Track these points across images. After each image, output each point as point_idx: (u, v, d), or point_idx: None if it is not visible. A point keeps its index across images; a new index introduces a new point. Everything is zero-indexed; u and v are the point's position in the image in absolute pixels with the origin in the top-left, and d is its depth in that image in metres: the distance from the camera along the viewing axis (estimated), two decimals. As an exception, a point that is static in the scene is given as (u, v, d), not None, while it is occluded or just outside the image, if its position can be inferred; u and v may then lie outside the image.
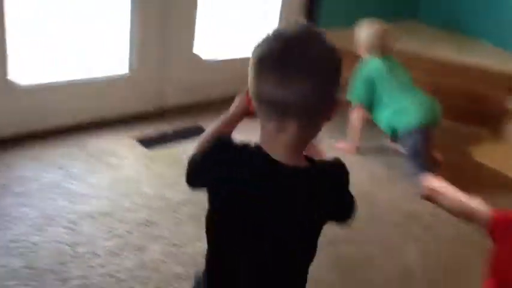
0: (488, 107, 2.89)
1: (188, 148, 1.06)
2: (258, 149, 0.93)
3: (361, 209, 1.11)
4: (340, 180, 0.99)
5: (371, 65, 2.68)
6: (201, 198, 0.99)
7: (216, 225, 0.99)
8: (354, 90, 2.65)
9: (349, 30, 2.76)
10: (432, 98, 2.56)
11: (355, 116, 2.68)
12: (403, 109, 2.52)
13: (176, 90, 2.82)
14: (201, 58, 2.89)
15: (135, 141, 2.47)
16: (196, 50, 2.85)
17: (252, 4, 3.19)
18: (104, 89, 2.57)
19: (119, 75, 2.62)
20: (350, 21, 2.83)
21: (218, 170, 0.95)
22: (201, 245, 1.87)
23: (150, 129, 2.58)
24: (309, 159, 0.97)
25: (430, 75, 2.95)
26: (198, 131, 2.63)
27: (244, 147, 0.94)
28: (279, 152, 0.91)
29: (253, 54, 0.89)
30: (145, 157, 2.36)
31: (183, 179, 1.03)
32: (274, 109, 0.87)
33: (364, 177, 2.48)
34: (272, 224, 0.94)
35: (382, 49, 2.67)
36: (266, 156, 0.91)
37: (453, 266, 2.00)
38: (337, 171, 0.99)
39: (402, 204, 2.31)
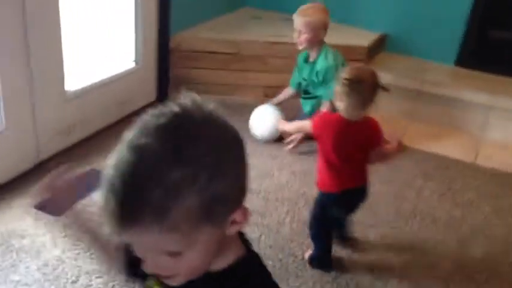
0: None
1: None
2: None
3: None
4: None
5: (335, 53, 2.50)
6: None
7: None
8: None
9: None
10: None
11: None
12: None
13: (53, 135, 1.82)
14: (71, 91, 2.00)
15: (35, 210, 1.88)
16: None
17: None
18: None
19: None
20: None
21: None
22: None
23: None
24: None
25: (287, 58, 3.09)
26: (96, 175, 1.83)
27: None
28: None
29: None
30: (59, 227, 1.95)
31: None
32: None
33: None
34: None
35: None
36: None
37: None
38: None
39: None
